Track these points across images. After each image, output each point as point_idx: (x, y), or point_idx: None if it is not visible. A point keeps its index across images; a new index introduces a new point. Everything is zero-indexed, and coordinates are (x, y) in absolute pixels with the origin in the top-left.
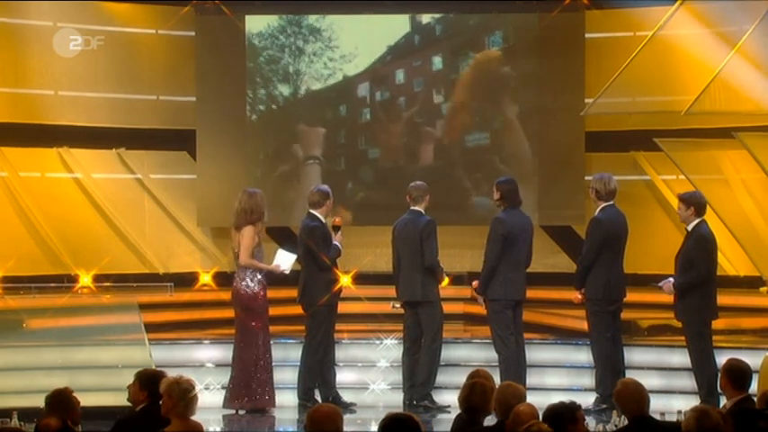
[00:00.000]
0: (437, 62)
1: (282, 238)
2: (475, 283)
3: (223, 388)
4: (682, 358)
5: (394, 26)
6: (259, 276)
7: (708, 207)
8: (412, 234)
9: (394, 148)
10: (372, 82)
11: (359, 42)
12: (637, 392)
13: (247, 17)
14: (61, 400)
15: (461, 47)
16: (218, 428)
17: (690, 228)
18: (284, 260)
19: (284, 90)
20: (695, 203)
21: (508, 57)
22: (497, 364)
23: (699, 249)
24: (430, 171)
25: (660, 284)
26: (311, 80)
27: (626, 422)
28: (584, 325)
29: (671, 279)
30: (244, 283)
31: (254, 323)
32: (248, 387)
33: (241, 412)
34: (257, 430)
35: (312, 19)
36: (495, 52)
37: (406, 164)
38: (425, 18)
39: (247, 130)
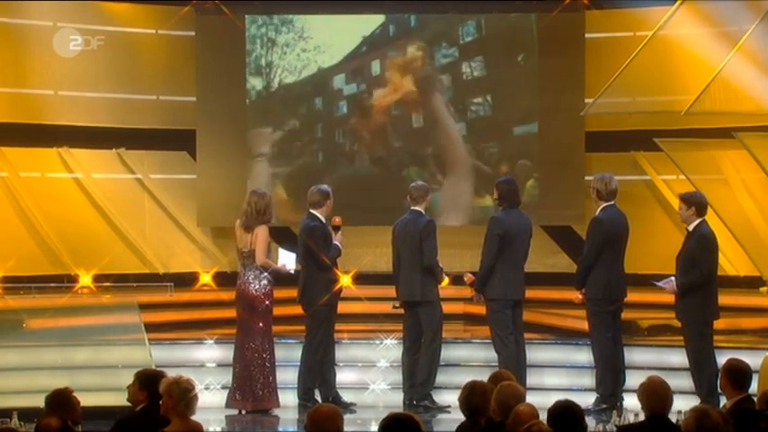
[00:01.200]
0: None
1: (281, 237)
2: (470, 276)
3: (224, 388)
4: (682, 358)
5: (370, 18)
6: (268, 278)
7: (708, 207)
8: (412, 234)
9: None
10: (348, 74)
11: (332, 34)
12: (662, 391)
13: (247, 17)
14: (61, 400)
15: (436, 38)
16: (220, 428)
17: (691, 228)
18: (288, 259)
19: (257, 84)
20: (696, 203)
21: (508, 56)
22: (497, 363)
23: (701, 249)
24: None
25: (661, 283)
26: (285, 73)
27: (629, 420)
28: (584, 325)
29: (672, 279)
30: (253, 283)
31: (256, 324)
32: (251, 387)
33: (243, 412)
34: (258, 430)
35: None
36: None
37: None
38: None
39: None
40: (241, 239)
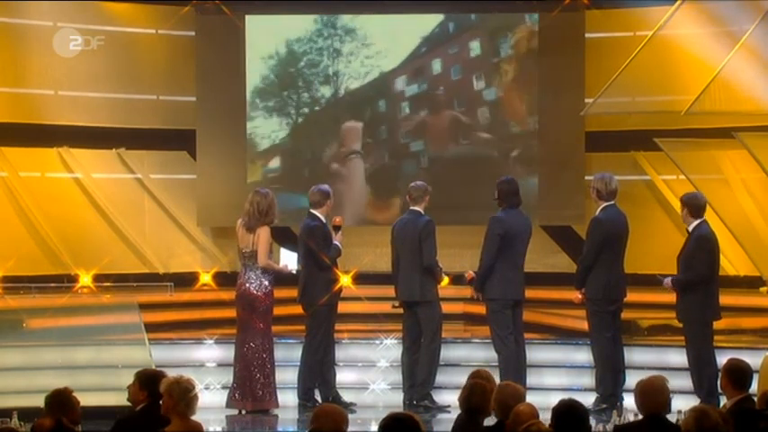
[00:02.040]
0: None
1: (282, 238)
2: (470, 273)
3: (225, 388)
4: (682, 358)
5: (427, 18)
6: (270, 278)
7: (708, 207)
8: (411, 234)
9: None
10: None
11: (392, 37)
12: (657, 391)
13: (247, 17)
14: (61, 400)
15: (498, 29)
16: (220, 428)
17: (690, 228)
18: (289, 259)
19: (325, 91)
20: (690, 204)
21: (509, 56)
22: (497, 363)
23: (698, 249)
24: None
25: (663, 280)
26: (350, 79)
27: (629, 420)
28: (584, 325)
29: (670, 278)
30: (254, 283)
31: (257, 324)
32: (251, 387)
33: (243, 412)
34: (258, 430)
35: (346, 19)
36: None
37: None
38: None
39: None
40: (243, 239)
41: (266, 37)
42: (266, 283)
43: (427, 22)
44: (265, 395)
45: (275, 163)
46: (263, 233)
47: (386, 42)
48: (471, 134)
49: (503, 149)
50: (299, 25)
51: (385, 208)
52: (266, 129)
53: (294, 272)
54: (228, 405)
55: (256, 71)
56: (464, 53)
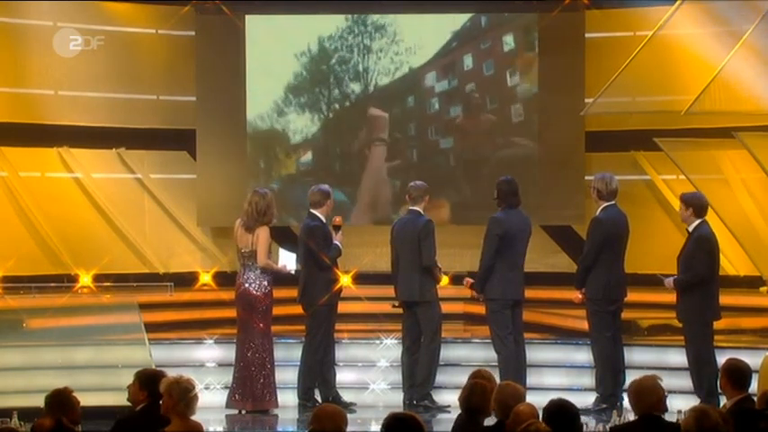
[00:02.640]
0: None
1: (282, 238)
2: (468, 280)
3: (225, 388)
4: (682, 358)
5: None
6: (268, 278)
7: (708, 208)
8: (410, 234)
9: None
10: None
11: (423, 34)
12: (649, 392)
13: (247, 17)
14: (61, 400)
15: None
16: (221, 428)
17: (691, 229)
18: (288, 259)
19: (356, 87)
20: (694, 204)
21: (508, 56)
22: (497, 363)
23: (699, 250)
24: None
25: (664, 279)
26: (380, 76)
27: (629, 419)
28: (584, 325)
29: (671, 277)
30: (253, 283)
31: (257, 324)
32: (251, 387)
33: (243, 412)
34: (258, 430)
35: (376, 17)
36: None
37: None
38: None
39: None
40: (241, 239)
41: (291, 35)
42: (265, 283)
43: (457, 19)
44: (265, 395)
45: (307, 157)
46: (263, 233)
47: (415, 39)
48: (505, 135)
49: (540, 151)
50: (330, 23)
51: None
52: (299, 124)
53: (293, 272)
54: (228, 405)
55: (289, 68)
56: (497, 47)
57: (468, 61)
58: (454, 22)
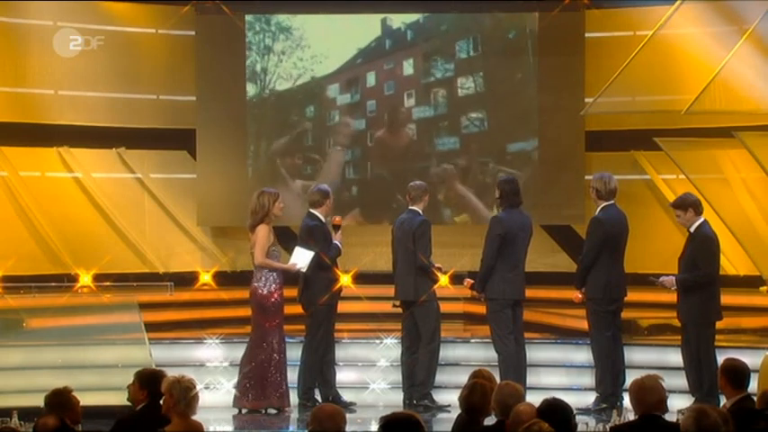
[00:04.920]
0: (408, 66)
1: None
2: (468, 281)
3: (225, 388)
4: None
5: (366, 28)
6: (274, 276)
7: (707, 206)
8: (407, 233)
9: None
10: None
11: (330, 43)
12: (649, 392)
13: (247, 17)
14: (61, 400)
15: (433, 52)
16: (221, 428)
17: (692, 229)
18: (301, 258)
19: (251, 90)
20: (691, 204)
21: (508, 56)
22: (497, 363)
23: (703, 250)
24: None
25: (659, 279)
26: (279, 80)
27: (629, 418)
28: (584, 324)
29: (672, 276)
30: (260, 282)
31: (267, 323)
32: (261, 387)
33: (244, 411)
34: (258, 430)
35: (282, 17)
36: None
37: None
38: (396, 23)
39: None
40: (250, 240)
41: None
42: (273, 281)
43: (366, 33)
44: (275, 394)
45: None
46: (260, 231)
47: (322, 47)
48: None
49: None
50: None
51: None
52: None
53: (303, 270)
54: (236, 404)
55: None
56: (398, 70)
57: (371, 79)
58: (362, 37)
